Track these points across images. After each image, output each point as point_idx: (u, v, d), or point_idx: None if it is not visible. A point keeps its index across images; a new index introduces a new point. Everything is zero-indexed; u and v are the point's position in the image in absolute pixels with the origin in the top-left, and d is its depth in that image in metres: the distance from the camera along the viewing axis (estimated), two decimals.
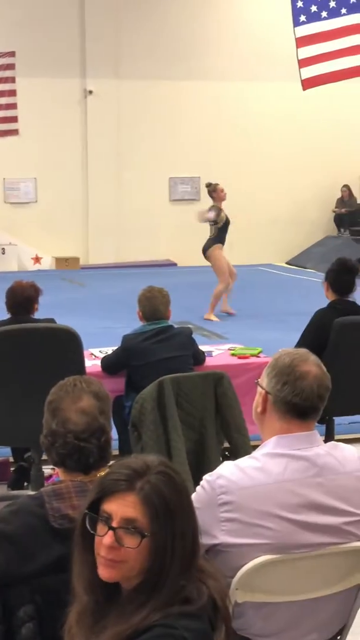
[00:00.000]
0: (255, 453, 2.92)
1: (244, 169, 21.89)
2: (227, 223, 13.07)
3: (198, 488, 2.86)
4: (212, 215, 12.78)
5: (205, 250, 13.08)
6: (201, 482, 2.87)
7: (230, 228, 21.57)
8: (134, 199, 21.40)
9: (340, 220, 22.23)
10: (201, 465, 5.39)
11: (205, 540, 2.77)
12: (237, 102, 21.72)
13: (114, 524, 2.17)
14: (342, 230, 22.21)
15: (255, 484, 2.80)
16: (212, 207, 12.97)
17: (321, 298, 6.73)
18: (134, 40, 21.13)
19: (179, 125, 21.55)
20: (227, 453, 5.73)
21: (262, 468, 2.83)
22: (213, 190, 13.11)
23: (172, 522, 2.18)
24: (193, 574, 2.20)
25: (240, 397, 5.61)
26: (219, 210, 12.86)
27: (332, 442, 3.05)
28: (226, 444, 5.77)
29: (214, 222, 12.94)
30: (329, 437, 6.49)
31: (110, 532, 2.16)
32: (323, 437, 6.32)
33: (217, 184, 13.15)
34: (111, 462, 2.54)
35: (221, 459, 5.54)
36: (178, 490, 2.23)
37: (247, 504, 2.78)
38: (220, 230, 13.01)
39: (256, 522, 2.77)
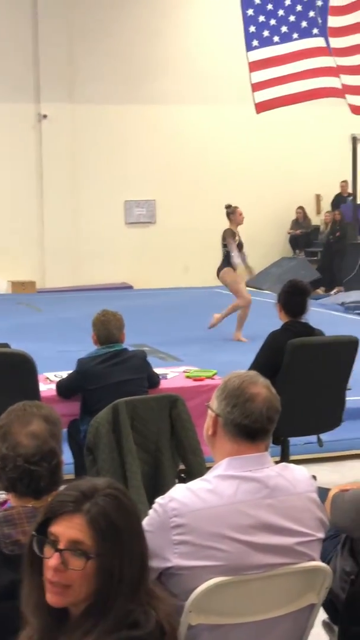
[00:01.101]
0: (206, 475, 2.93)
1: (199, 192, 21.98)
2: (240, 246, 12.89)
3: (150, 511, 2.86)
4: (233, 247, 12.70)
5: (217, 274, 13.00)
6: (153, 506, 2.87)
7: (186, 249, 21.78)
8: (89, 222, 21.39)
9: (295, 242, 22.38)
10: (157, 488, 5.39)
11: (158, 564, 2.77)
12: (192, 125, 21.83)
13: (60, 546, 2.16)
14: (297, 251, 22.36)
15: (207, 506, 2.81)
16: (226, 232, 12.85)
17: (277, 319, 6.78)
18: (88, 64, 21.18)
19: (134, 149, 21.61)
20: (182, 475, 5.74)
21: (214, 490, 2.84)
22: (232, 212, 12.98)
23: (119, 545, 2.18)
24: (142, 598, 2.20)
25: (195, 419, 5.62)
26: (232, 233, 12.73)
27: (283, 463, 3.07)
28: (182, 466, 5.78)
29: (225, 245, 12.83)
30: (284, 457, 6.53)
31: (57, 554, 2.15)
32: (278, 458, 6.38)
33: (236, 207, 13.02)
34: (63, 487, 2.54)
35: (177, 480, 5.55)
36: (126, 513, 2.23)
37: (200, 526, 2.78)
38: (230, 255, 12.84)
39: (208, 544, 2.78)
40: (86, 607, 2.16)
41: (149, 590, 2.24)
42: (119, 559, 2.17)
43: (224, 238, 12.84)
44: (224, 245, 12.80)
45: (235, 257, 12.73)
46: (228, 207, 13.12)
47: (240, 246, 12.87)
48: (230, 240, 12.68)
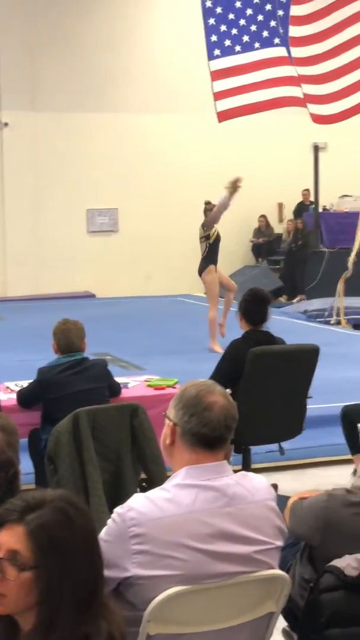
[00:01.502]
0: (165, 484, 2.93)
1: (162, 200, 22.01)
2: (218, 239, 12.82)
3: (109, 521, 2.86)
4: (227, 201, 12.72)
5: (200, 273, 12.89)
6: (112, 515, 2.86)
7: (149, 258, 21.78)
8: (51, 230, 21.32)
9: (258, 250, 22.44)
10: (118, 497, 5.37)
11: (116, 574, 2.77)
12: (154, 134, 21.84)
13: (0, 555, 2.15)
14: (259, 259, 22.42)
15: (166, 515, 2.80)
16: (204, 221, 12.86)
17: (239, 328, 6.79)
18: (49, 72, 21.13)
19: (96, 157, 21.57)
20: (144, 484, 5.73)
21: (173, 499, 2.84)
22: (210, 210, 12.93)
23: (60, 560, 2.15)
24: (94, 612, 2.18)
25: (156, 428, 5.61)
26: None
27: (242, 472, 3.08)
28: (143, 475, 5.78)
29: (206, 238, 12.76)
30: (245, 466, 6.54)
31: None
32: (240, 467, 6.39)
33: (214, 205, 13.00)
34: None
35: (138, 490, 5.54)
36: (72, 528, 2.20)
37: (158, 535, 2.78)
38: (211, 247, 12.74)
39: (167, 553, 2.77)
40: (34, 623, 2.14)
41: (102, 603, 2.23)
42: (58, 574, 2.13)
43: (203, 226, 12.77)
44: (204, 238, 12.68)
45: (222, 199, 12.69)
46: (207, 203, 13.06)
47: (218, 240, 12.79)
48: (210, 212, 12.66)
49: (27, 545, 2.14)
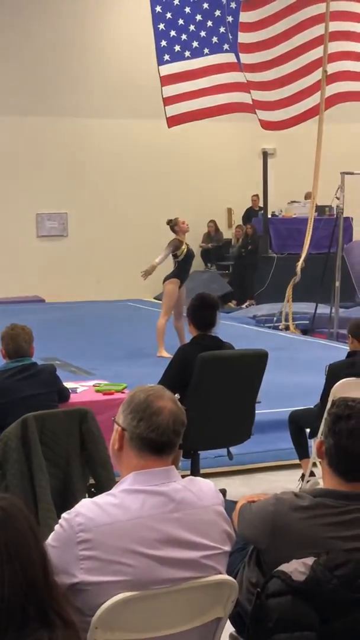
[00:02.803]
0: (113, 490, 2.92)
1: (111, 205, 22.00)
2: (188, 256, 12.69)
3: (56, 527, 2.84)
4: (163, 255, 12.59)
5: (164, 280, 12.76)
6: (60, 521, 2.85)
7: (98, 263, 21.73)
8: (0, 235, 21.21)
9: (207, 255, 22.49)
10: (67, 502, 5.35)
11: (64, 580, 2.75)
12: (104, 138, 21.83)
13: None
14: (209, 265, 22.48)
15: (114, 520, 2.80)
16: (170, 242, 12.62)
17: (188, 333, 6.79)
18: (0, 76, 21.03)
19: (45, 161, 21.51)
20: (93, 489, 5.72)
21: (120, 504, 2.83)
22: (175, 224, 12.65)
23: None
24: (35, 623, 2.15)
25: (105, 433, 5.60)
26: (178, 243, 12.52)
27: (190, 476, 3.08)
28: (92, 480, 5.76)
29: (174, 256, 12.61)
30: (194, 471, 6.54)
31: None
32: (189, 471, 6.40)
33: (176, 218, 12.77)
34: None
35: (87, 495, 5.53)
36: (11, 531, 2.19)
37: (106, 541, 2.77)
38: (180, 264, 12.64)
39: (115, 559, 2.76)
40: None
41: (53, 611, 2.20)
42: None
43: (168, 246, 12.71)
44: (174, 256, 12.66)
45: (158, 259, 12.64)
46: (169, 221, 12.91)
47: (188, 256, 12.73)
48: (168, 248, 12.56)
49: None
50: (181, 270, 12.68)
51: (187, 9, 15.00)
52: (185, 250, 12.62)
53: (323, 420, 5.28)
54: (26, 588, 2.16)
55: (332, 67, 14.81)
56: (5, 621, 2.11)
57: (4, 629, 2.10)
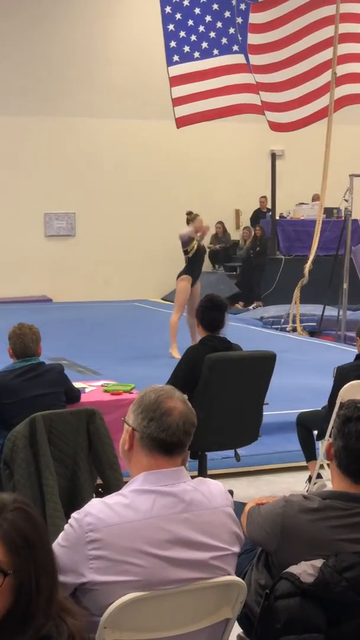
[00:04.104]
0: (123, 490, 2.92)
1: (120, 206, 22.01)
2: (198, 252, 12.68)
3: (66, 526, 2.85)
4: (184, 232, 12.49)
5: (177, 277, 12.75)
6: (69, 521, 2.85)
7: (106, 263, 21.73)
8: (8, 234, 21.22)
9: (214, 257, 22.48)
10: (74, 502, 5.37)
11: (73, 579, 2.76)
12: (113, 138, 21.84)
13: None
14: (216, 266, 22.47)
15: (123, 520, 2.80)
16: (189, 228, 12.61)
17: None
18: (9, 76, 21.02)
19: (54, 161, 21.52)
20: (100, 489, 5.72)
21: (130, 505, 2.84)
22: (192, 219, 12.63)
23: (34, 558, 2.17)
24: (53, 611, 2.19)
25: (112, 434, 5.61)
26: (191, 236, 12.52)
27: (199, 477, 3.09)
28: (99, 481, 5.77)
29: (185, 252, 12.61)
30: (201, 472, 6.54)
31: None
32: (196, 472, 6.40)
33: (198, 216, 12.73)
34: None
35: (94, 495, 5.53)
36: (35, 526, 2.23)
37: (115, 541, 2.77)
38: (191, 260, 12.62)
39: (124, 559, 2.77)
40: (1, 623, 2.14)
41: (60, 604, 2.24)
42: (35, 572, 2.16)
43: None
44: (184, 252, 12.65)
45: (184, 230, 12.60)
46: (189, 213, 12.90)
47: (198, 254, 12.70)
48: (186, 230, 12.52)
49: (3, 550, 2.15)
50: (192, 267, 12.67)
51: (197, 10, 14.99)
52: (196, 246, 12.62)
53: (332, 422, 5.28)
54: (54, 577, 2.23)
55: (342, 69, 14.79)
56: (45, 607, 2.16)
57: (43, 612, 2.16)
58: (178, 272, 12.78)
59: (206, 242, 22.59)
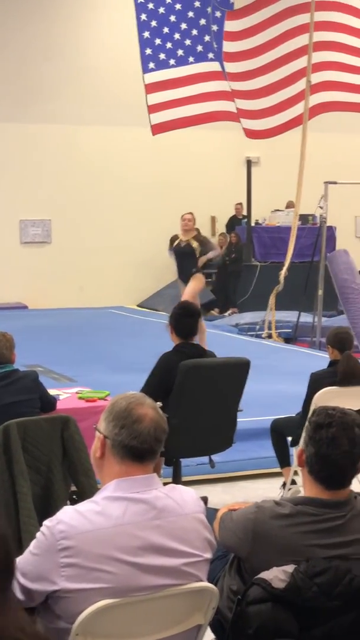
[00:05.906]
0: (95, 497, 2.93)
1: (96, 212, 21.99)
2: (178, 250, 13.03)
3: (38, 534, 2.85)
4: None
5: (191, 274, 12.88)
6: (41, 528, 2.85)
7: (82, 270, 21.70)
8: None
9: None
10: (48, 510, 5.35)
11: (45, 587, 2.77)
12: (88, 145, 21.82)
13: None
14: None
15: (95, 528, 2.80)
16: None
17: (170, 340, 6.80)
18: None
19: (30, 168, 21.48)
20: (75, 497, 5.71)
21: (102, 512, 2.84)
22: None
23: None
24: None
25: (87, 441, 5.59)
26: (173, 237, 12.91)
27: (171, 484, 3.09)
28: (74, 488, 5.76)
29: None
30: (175, 478, 6.55)
31: None
32: (170, 479, 6.40)
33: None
34: None
35: (69, 502, 5.52)
36: None
37: (87, 548, 2.77)
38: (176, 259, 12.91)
39: (96, 566, 2.77)
40: None
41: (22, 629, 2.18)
42: None
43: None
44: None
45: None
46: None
47: (178, 251, 12.86)
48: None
49: None
50: (177, 265, 12.73)
51: (172, 18, 15.04)
52: (175, 245, 12.80)
53: (304, 429, 5.30)
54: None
55: (316, 77, 14.86)
56: None
57: None
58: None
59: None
